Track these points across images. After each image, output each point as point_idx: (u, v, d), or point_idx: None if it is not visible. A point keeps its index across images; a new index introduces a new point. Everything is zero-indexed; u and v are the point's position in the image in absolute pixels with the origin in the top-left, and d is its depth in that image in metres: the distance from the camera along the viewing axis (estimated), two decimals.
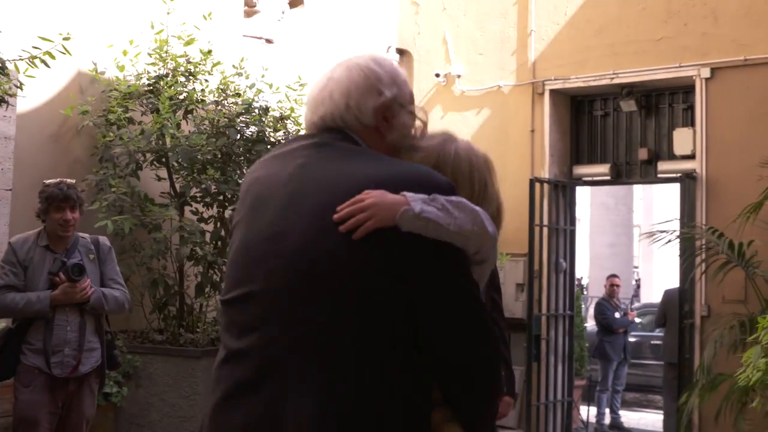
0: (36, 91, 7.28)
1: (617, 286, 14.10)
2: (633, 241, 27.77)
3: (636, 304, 20.35)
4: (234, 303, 2.37)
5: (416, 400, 2.19)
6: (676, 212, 10.54)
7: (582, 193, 17.77)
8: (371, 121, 2.40)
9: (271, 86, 8.36)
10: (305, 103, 2.58)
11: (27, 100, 7.19)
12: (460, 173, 2.64)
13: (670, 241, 9.75)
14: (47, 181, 5.73)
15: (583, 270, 26.52)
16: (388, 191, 2.19)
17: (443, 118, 12.05)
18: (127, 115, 7.76)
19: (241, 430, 2.22)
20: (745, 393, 7.50)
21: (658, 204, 28.73)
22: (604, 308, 13.73)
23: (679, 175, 10.46)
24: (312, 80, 2.53)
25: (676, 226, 10.06)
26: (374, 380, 2.15)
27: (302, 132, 2.55)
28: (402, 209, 2.15)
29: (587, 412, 13.52)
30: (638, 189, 27.64)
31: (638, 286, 29.75)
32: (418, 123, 2.56)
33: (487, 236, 2.34)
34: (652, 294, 27.36)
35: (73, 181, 5.89)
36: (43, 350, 5.53)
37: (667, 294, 12.20)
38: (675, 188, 10.97)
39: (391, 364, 2.17)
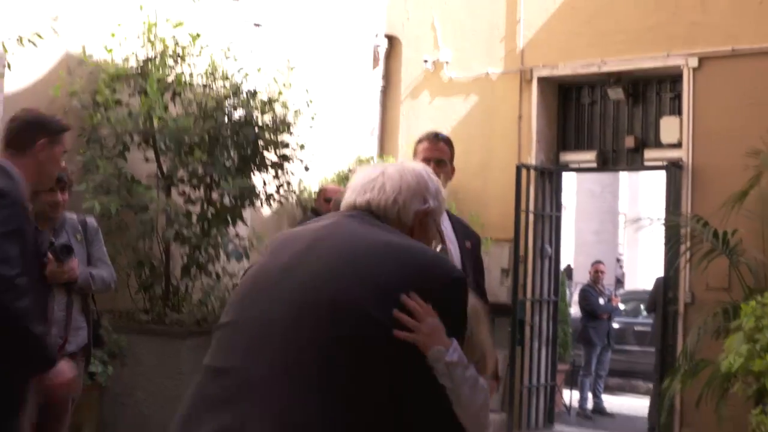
0: (24, 72, 7.27)
1: (602, 272, 14.18)
2: (618, 229, 27.88)
3: (620, 291, 20.41)
4: (227, 326, 2.49)
5: None
6: (661, 200, 10.62)
7: (568, 180, 17.84)
8: (409, 221, 2.63)
9: (259, 70, 8.37)
10: (348, 187, 2.74)
11: (15, 81, 7.17)
12: None
13: (655, 228, 9.84)
14: None
15: (568, 257, 26.61)
16: (404, 259, 2.40)
17: (431, 104, 12.09)
18: (115, 97, 7.76)
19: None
20: (727, 379, 7.57)
21: (643, 192, 28.82)
22: (588, 294, 13.80)
23: (665, 163, 10.52)
24: (361, 170, 2.77)
25: (661, 213, 10.14)
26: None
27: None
28: (437, 347, 2.33)
29: (570, 397, 13.62)
30: (624, 177, 27.73)
31: (623, 274, 29.85)
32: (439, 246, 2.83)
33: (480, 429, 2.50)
34: (637, 281, 27.51)
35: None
36: None
37: (659, 281, 12.27)
38: (661, 176, 11.06)
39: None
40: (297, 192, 9.84)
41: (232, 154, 7.99)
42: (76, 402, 5.96)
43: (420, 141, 5.21)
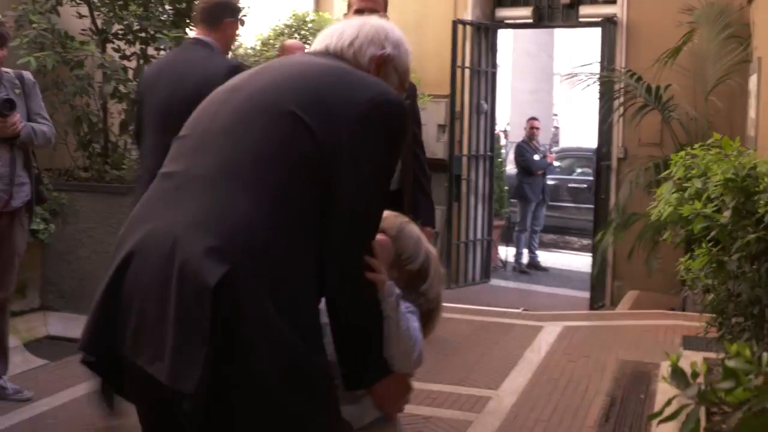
0: None
1: (536, 128, 14.29)
2: (553, 88, 28.02)
3: (555, 148, 20.68)
4: (178, 139, 2.58)
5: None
6: (596, 59, 10.69)
7: (504, 39, 17.82)
8: (366, 64, 2.63)
9: None
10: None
11: None
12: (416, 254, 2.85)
13: (589, 84, 9.95)
14: None
15: (504, 115, 26.74)
16: (341, 76, 2.49)
17: None
18: None
19: (143, 236, 2.35)
20: (657, 231, 7.79)
21: (579, 51, 28.89)
22: (523, 150, 13.94)
23: (600, 19, 10.58)
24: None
25: (596, 70, 10.24)
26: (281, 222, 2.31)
27: None
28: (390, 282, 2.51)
29: (506, 252, 13.91)
30: (559, 36, 27.72)
31: (558, 132, 30.14)
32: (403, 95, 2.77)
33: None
34: (572, 140, 27.81)
35: (1, 17, 5.83)
36: None
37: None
38: (596, 35, 11.11)
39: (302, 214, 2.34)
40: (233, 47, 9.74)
41: (167, 7, 7.89)
42: (23, 257, 6.01)
43: None
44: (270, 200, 2.30)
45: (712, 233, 4.83)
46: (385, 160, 2.48)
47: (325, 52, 2.66)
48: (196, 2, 7.79)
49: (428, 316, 2.82)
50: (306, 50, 2.89)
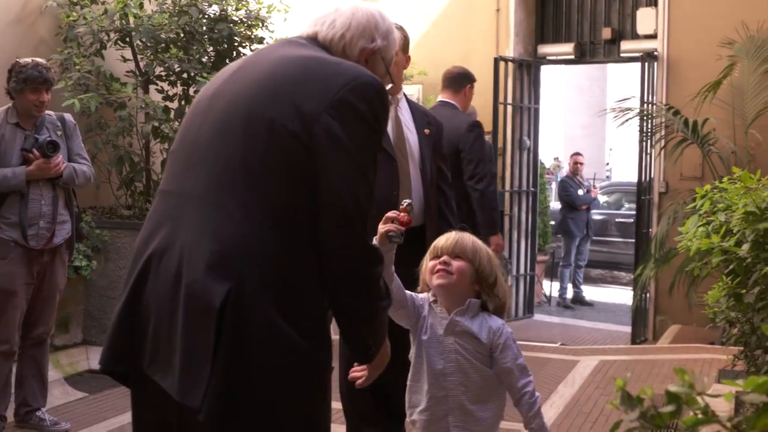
0: None
1: (580, 164, 14.30)
2: (606, 123, 27.98)
3: (602, 183, 20.61)
4: (170, 155, 2.68)
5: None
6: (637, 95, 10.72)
7: (555, 75, 17.87)
8: (355, 57, 2.71)
9: None
10: (303, 20, 2.91)
11: None
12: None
13: (629, 119, 9.97)
14: (21, 61, 5.80)
15: (557, 151, 26.71)
16: (309, 65, 2.52)
17: None
18: None
19: (151, 255, 2.48)
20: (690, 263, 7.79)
21: (630, 86, 28.77)
22: (567, 185, 13.96)
23: (640, 54, 10.61)
24: (319, 4, 2.84)
25: (636, 104, 10.26)
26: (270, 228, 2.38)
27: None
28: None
29: (550, 287, 13.89)
30: (612, 70, 27.71)
31: (610, 166, 30.04)
32: (388, 81, 2.83)
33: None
34: (624, 174, 27.68)
35: (47, 62, 6.03)
36: (20, 224, 5.69)
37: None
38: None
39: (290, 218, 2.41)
40: None
41: (208, 49, 8.09)
42: (63, 292, 6.19)
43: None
44: (264, 211, 2.37)
45: (731, 266, 4.86)
46: (366, 141, 2.49)
47: (314, 39, 2.71)
48: (261, 47, 8.02)
49: (501, 309, 3.39)
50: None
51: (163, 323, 2.40)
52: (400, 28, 5.32)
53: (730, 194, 5.17)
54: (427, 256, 3.48)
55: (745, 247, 4.63)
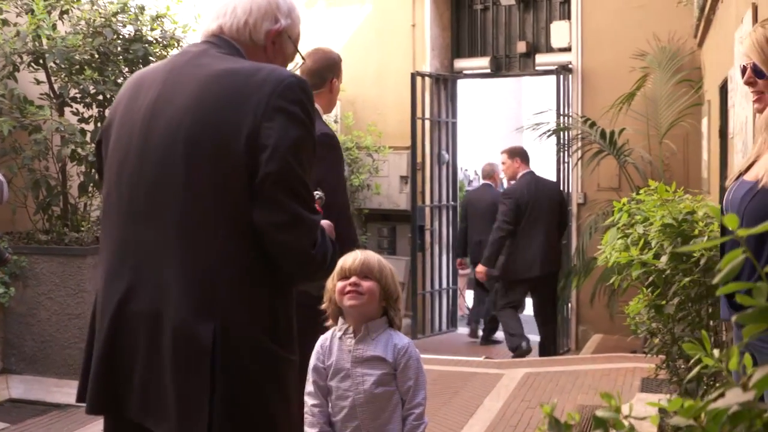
0: None
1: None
2: (524, 135, 28.18)
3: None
4: (110, 196, 2.66)
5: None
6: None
7: (472, 88, 17.96)
8: (261, 41, 2.74)
9: None
10: (204, 14, 2.89)
11: None
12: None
13: (546, 132, 10.09)
14: None
15: (476, 163, 26.86)
16: (234, 81, 2.49)
17: (326, 13, 12.12)
18: (1, 17, 7.70)
19: (121, 301, 2.51)
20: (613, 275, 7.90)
21: (547, 97, 29.08)
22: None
23: (555, 67, 10.74)
24: None
25: (552, 117, 10.39)
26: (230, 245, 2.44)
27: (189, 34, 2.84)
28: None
29: (472, 299, 13.93)
30: (527, 83, 27.99)
31: None
32: (298, 59, 2.94)
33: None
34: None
35: None
36: None
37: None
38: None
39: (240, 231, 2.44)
40: None
41: (123, 70, 7.98)
42: None
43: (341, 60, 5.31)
44: (228, 239, 2.42)
45: (651, 278, 4.94)
46: (305, 140, 2.51)
47: (219, 34, 2.71)
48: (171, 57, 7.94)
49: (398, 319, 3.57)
50: (202, 27, 2.83)
51: (151, 370, 2.45)
52: (337, 55, 5.32)
53: (647, 206, 5.25)
54: (334, 275, 3.50)
55: (664, 259, 4.72)
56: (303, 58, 2.97)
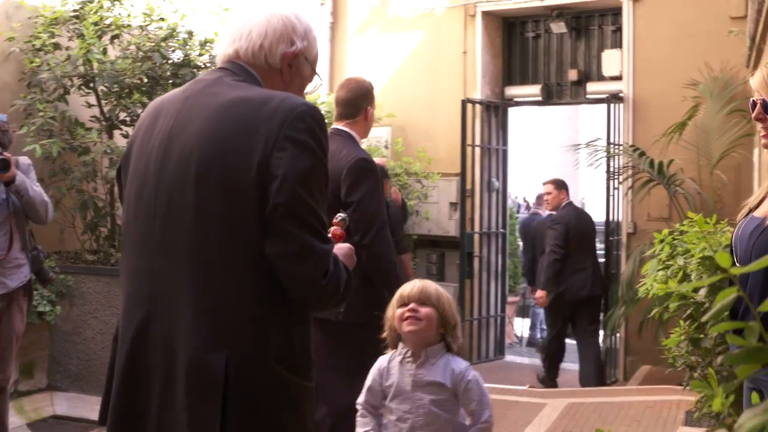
0: None
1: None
2: (580, 163, 27.98)
3: None
4: (128, 224, 2.68)
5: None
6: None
7: (526, 115, 17.93)
8: (277, 64, 2.72)
9: (194, 10, 8.45)
10: (223, 38, 2.87)
11: None
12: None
13: (598, 160, 10.04)
14: None
15: (531, 191, 26.74)
16: (245, 110, 2.49)
17: (378, 41, 12.17)
18: (53, 41, 7.84)
19: (138, 330, 2.54)
20: (665, 307, 7.82)
21: (603, 125, 28.88)
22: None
23: (606, 96, 10.68)
24: (234, 17, 2.82)
25: (602, 145, 10.33)
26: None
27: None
28: None
29: (522, 328, 13.86)
30: (584, 110, 27.87)
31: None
32: (316, 80, 2.91)
33: None
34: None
35: (5, 118, 6.01)
36: None
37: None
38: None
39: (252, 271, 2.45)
40: None
41: None
42: (21, 339, 6.12)
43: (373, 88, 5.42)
44: (241, 269, 2.43)
45: (689, 311, 4.89)
46: (315, 169, 2.50)
47: (235, 59, 2.71)
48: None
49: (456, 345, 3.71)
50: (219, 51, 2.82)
51: (166, 398, 2.47)
52: (369, 83, 5.42)
53: (689, 237, 5.20)
54: (394, 303, 3.71)
55: (702, 291, 4.65)
56: (321, 80, 2.94)
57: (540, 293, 9.80)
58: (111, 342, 2.71)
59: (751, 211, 3.23)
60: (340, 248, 2.74)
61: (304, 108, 2.51)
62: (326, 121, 2.62)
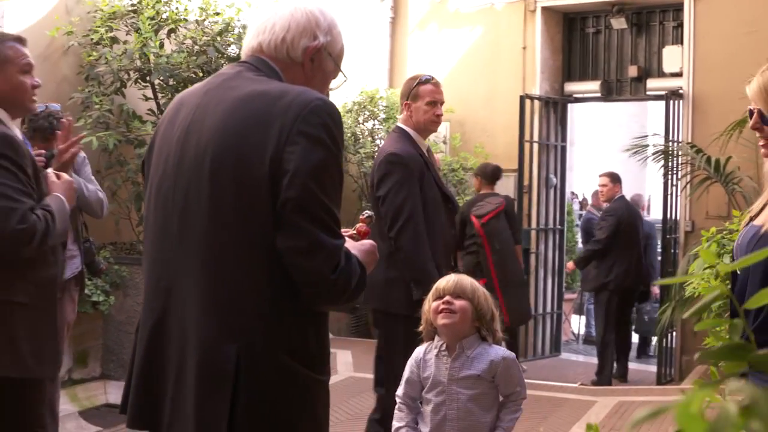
0: (23, 15, 7.52)
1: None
2: (647, 160, 27.69)
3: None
4: (147, 219, 2.73)
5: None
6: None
7: (591, 110, 17.81)
8: (299, 58, 2.71)
9: (250, 5, 8.52)
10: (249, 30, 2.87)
11: (15, 24, 7.39)
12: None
13: (654, 157, 9.95)
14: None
15: (591, 187, 26.51)
16: (260, 104, 2.50)
17: (438, 36, 12.17)
18: (111, 35, 7.96)
19: (158, 315, 2.59)
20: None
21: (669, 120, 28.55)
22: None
23: (666, 92, 10.57)
24: (259, 11, 2.82)
25: (661, 141, 10.24)
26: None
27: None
28: None
29: (579, 325, 13.78)
30: (651, 106, 27.57)
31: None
32: (340, 77, 2.87)
33: None
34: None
35: (59, 107, 6.10)
36: None
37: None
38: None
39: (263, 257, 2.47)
40: None
41: None
42: (72, 328, 6.22)
43: (422, 83, 5.58)
44: (250, 263, 2.45)
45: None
46: (329, 164, 2.51)
47: (258, 52, 2.71)
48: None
49: (499, 341, 3.78)
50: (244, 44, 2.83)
51: (179, 390, 2.51)
52: (412, 79, 5.57)
53: (737, 237, 5.14)
54: (430, 297, 3.77)
55: None
56: (345, 77, 2.90)
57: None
58: (134, 333, 2.75)
59: (752, 219, 3.20)
60: (362, 245, 2.75)
61: (319, 102, 2.51)
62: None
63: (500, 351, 3.71)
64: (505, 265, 9.05)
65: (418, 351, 3.83)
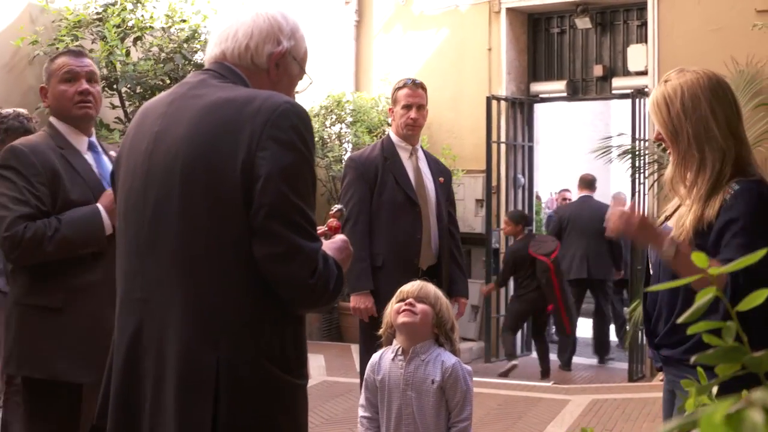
0: None
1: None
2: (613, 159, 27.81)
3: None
4: (120, 233, 2.71)
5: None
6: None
7: (555, 110, 17.90)
8: (264, 64, 2.69)
9: (216, 12, 8.50)
10: (210, 39, 2.86)
11: None
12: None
13: (619, 156, 10.01)
14: (3, 111, 5.87)
15: (559, 186, 26.60)
16: (228, 111, 2.49)
17: (403, 38, 12.19)
18: (77, 44, 7.90)
19: (134, 329, 2.57)
20: None
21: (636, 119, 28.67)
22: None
23: (631, 91, 10.65)
24: (221, 18, 2.80)
25: (627, 141, 10.30)
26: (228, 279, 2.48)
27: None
28: None
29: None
30: (615, 105, 27.72)
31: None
32: (306, 79, 2.87)
33: None
34: None
35: (35, 110, 6.07)
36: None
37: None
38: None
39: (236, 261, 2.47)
40: None
41: None
42: None
43: (400, 88, 5.75)
44: (225, 271, 2.45)
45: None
46: (300, 168, 2.51)
47: (222, 59, 2.69)
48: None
49: (456, 353, 3.80)
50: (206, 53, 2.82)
51: (159, 400, 2.49)
52: (409, 82, 5.70)
53: None
54: (393, 300, 3.81)
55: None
56: (311, 80, 2.89)
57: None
58: (110, 343, 2.73)
59: (667, 219, 3.24)
60: (334, 242, 2.75)
61: (288, 106, 2.51)
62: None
63: (453, 358, 3.73)
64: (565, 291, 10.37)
65: (375, 355, 3.88)
